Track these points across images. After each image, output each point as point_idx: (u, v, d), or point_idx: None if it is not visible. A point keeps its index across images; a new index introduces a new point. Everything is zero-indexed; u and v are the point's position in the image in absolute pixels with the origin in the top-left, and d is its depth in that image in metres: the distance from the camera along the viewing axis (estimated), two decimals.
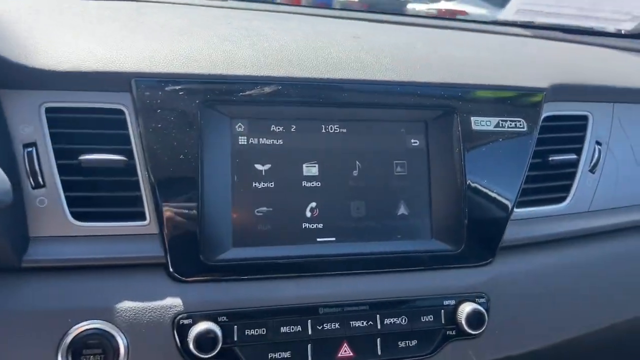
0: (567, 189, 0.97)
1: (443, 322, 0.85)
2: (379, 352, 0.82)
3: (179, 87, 0.79)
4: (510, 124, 0.91)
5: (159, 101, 0.78)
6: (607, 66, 1.08)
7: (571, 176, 0.98)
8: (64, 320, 0.72)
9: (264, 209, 0.83)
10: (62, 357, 0.72)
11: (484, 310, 0.84)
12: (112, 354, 0.73)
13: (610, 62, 1.13)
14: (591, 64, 1.08)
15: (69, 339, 0.72)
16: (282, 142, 0.85)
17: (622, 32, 1.53)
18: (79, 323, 0.73)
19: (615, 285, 0.98)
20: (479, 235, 0.88)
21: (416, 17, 1.42)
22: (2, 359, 0.71)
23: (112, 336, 0.73)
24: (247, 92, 0.81)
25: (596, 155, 0.99)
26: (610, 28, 1.54)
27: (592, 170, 0.99)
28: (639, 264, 1.01)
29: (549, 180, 0.96)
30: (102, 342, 0.73)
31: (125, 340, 0.74)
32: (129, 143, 0.78)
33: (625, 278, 0.99)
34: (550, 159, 0.95)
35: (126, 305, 0.75)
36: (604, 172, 1.00)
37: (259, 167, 0.83)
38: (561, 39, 1.33)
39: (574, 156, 0.97)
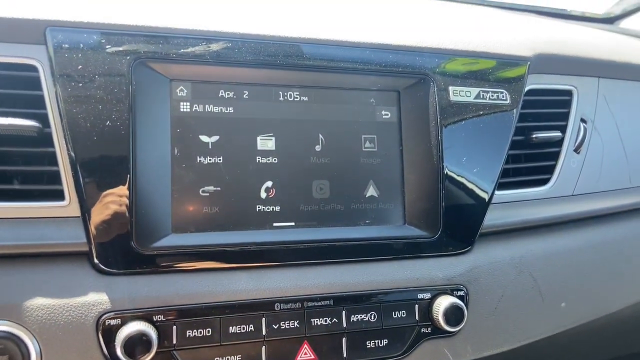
0: (550, 170, 0.89)
1: (417, 318, 0.75)
2: (345, 354, 0.72)
3: (107, 39, 0.65)
4: (492, 96, 0.81)
5: (80, 56, 0.64)
6: (591, 39, 1.01)
7: (555, 156, 0.89)
8: None
9: (211, 188, 0.70)
10: None
11: (462, 305, 0.74)
12: None
13: (594, 37, 1.05)
14: (575, 37, 1.00)
15: None
16: (232, 110, 0.72)
17: (594, 16, 1.48)
18: None
19: (601, 274, 0.90)
20: (456, 220, 0.78)
21: None
22: None
23: (21, 340, 0.60)
24: (190, 49, 0.69)
25: (581, 134, 0.91)
26: (584, 11, 1.49)
27: (577, 150, 0.90)
28: (625, 251, 0.93)
29: (531, 160, 0.87)
30: (7, 347, 0.59)
31: (37, 346, 0.61)
32: (44, 107, 0.64)
33: (610, 266, 0.91)
34: (533, 136, 0.86)
35: (39, 302, 0.61)
36: (589, 153, 0.92)
37: (204, 138, 0.71)
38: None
39: (558, 134, 0.89)
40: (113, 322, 0.63)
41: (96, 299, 0.63)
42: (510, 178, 0.85)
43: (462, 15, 0.99)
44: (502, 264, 0.81)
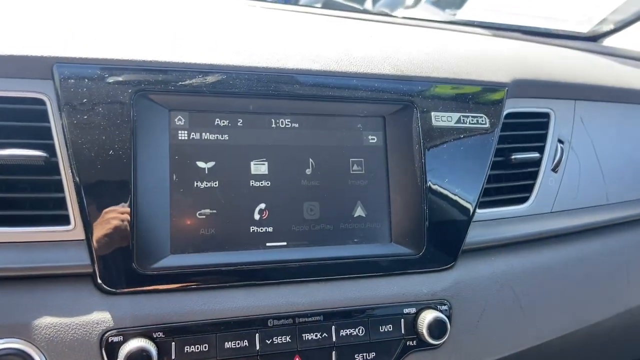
0: (529, 188, 0.94)
1: (403, 332, 0.79)
2: None
3: (109, 74, 0.70)
4: (472, 120, 0.86)
5: (85, 90, 0.69)
6: (568, 63, 1.06)
7: (533, 175, 0.94)
8: None
9: (207, 211, 0.75)
10: None
11: (445, 318, 0.79)
12: None
13: (571, 60, 1.11)
14: (553, 61, 1.06)
15: None
16: (227, 138, 0.77)
17: (579, 34, 1.54)
18: None
19: (579, 287, 0.94)
20: (440, 238, 0.82)
21: (373, 14, 1.38)
22: None
23: (30, 357, 0.64)
24: (188, 81, 0.73)
25: (558, 154, 0.96)
26: (568, 30, 1.55)
27: (554, 170, 0.95)
28: (602, 265, 0.98)
29: (511, 180, 0.92)
30: None
31: None
32: (51, 137, 0.69)
33: (589, 280, 0.96)
34: (512, 157, 0.91)
35: (47, 321, 0.65)
36: (567, 172, 0.97)
37: (201, 164, 0.75)
38: (521, 39, 1.31)
39: (536, 154, 0.93)
40: (116, 339, 0.67)
41: (100, 317, 0.67)
42: (491, 197, 0.89)
43: (443, 40, 1.05)
44: (483, 279, 0.86)
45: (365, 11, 1.58)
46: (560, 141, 0.97)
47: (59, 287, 0.68)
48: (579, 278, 0.95)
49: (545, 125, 0.96)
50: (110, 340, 0.67)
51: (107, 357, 0.66)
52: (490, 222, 0.89)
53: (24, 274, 0.67)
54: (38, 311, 0.66)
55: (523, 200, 0.93)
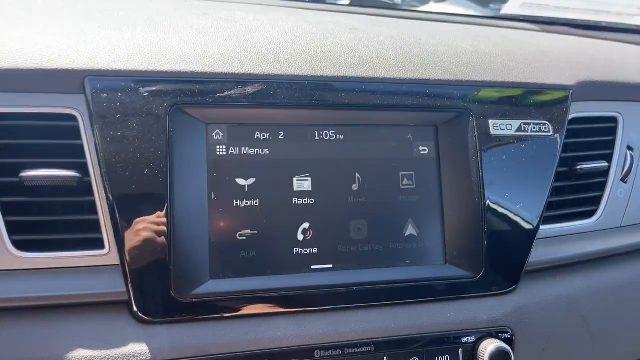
0: (596, 201, 0.85)
1: None
2: None
3: (143, 87, 0.65)
4: (534, 128, 0.78)
5: (118, 105, 0.64)
6: (634, 62, 0.97)
7: (601, 186, 0.86)
8: None
9: (248, 232, 0.69)
10: None
11: (508, 349, 0.71)
12: None
13: (637, 58, 1.01)
14: (617, 60, 0.97)
15: None
16: (268, 152, 0.71)
17: (634, 27, 1.43)
18: None
19: None
20: (500, 258, 0.75)
21: (415, 12, 1.31)
22: None
23: None
24: (226, 93, 0.68)
25: (628, 162, 0.87)
26: (622, 23, 1.44)
27: (624, 180, 0.87)
28: None
29: (576, 192, 0.84)
30: None
31: None
32: (83, 156, 0.65)
33: None
34: (578, 167, 0.83)
35: (82, 354, 0.61)
36: (637, 182, 0.88)
37: (241, 182, 0.70)
38: (572, 34, 1.22)
39: (604, 163, 0.85)
40: None
41: (136, 349, 0.63)
42: (555, 211, 0.81)
43: (493, 38, 0.97)
44: (548, 303, 0.78)
45: (400, 8, 1.50)
46: (629, 148, 0.88)
47: (93, 316, 0.64)
48: None
49: (613, 131, 0.88)
50: None
51: None
52: (555, 240, 0.81)
53: (57, 303, 0.63)
54: (72, 343, 0.62)
55: (590, 214, 0.84)
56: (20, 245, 0.62)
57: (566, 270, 0.82)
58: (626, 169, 0.86)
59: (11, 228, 0.62)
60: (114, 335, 0.63)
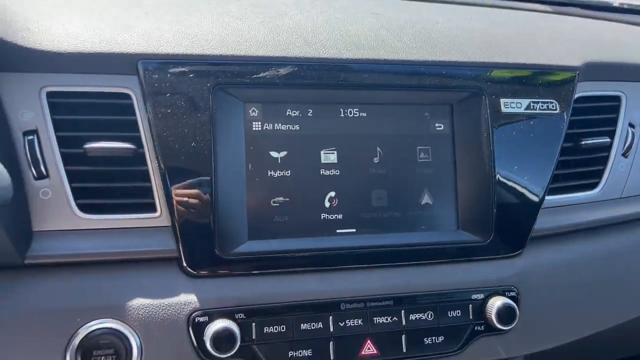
0: (599, 174, 0.92)
1: (471, 317, 0.81)
2: (404, 349, 0.78)
3: (189, 69, 0.73)
4: (542, 106, 0.85)
5: (167, 84, 0.73)
6: (638, 43, 1.02)
7: (603, 161, 0.92)
8: (72, 319, 0.68)
9: (281, 199, 0.78)
10: (70, 359, 0.68)
11: (514, 305, 0.80)
12: (125, 354, 0.68)
13: None
14: (622, 41, 1.02)
15: (77, 339, 0.68)
16: (298, 128, 0.79)
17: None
18: (88, 322, 0.68)
19: None
20: (508, 225, 0.83)
21: None
22: None
23: (125, 336, 0.69)
24: (261, 74, 0.76)
25: (629, 139, 0.94)
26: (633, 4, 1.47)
27: (624, 155, 0.93)
28: None
29: (580, 166, 0.91)
30: (113, 342, 0.68)
31: (138, 340, 0.70)
32: (137, 130, 0.73)
33: None
34: (582, 142, 0.90)
35: (138, 302, 0.70)
36: (637, 156, 0.94)
37: (274, 154, 0.78)
38: (582, 15, 1.26)
39: (606, 139, 0.92)
40: (202, 319, 0.71)
41: (186, 299, 0.72)
42: (559, 183, 0.88)
43: (508, 23, 1.03)
44: (551, 266, 0.86)
45: None
46: (631, 125, 0.94)
47: (147, 271, 0.73)
48: None
49: (616, 109, 0.94)
50: (197, 320, 0.71)
51: (195, 336, 0.71)
52: (559, 209, 0.88)
53: (116, 259, 0.72)
54: (130, 293, 0.71)
55: (592, 186, 0.91)
56: (84, 209, 0.71)
57: (569, 237, 0.89)
58: (627, 144, 0.93)
59: (76, 193, 0.71)
60: (167, 287, 0.72)
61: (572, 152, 0.90)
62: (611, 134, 0.93)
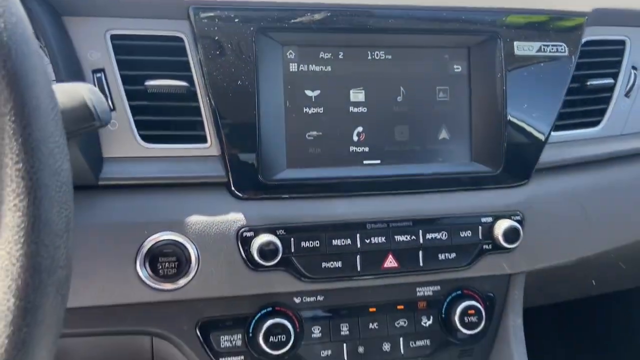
0: (602, 112, 1.01)
1: (480, 237, 0.92)
2: (421, 264, 0.90)
3: (234, 14, 0.82)
4: (552, 49, 0.93)
5: (215, 28, 0.81)
6: None
7: (606, 100, 1.01)
8: (140, 231, 0.80)
9: (314, 133, 0.88)
10: (140, 264, 0.80)
11: (519, 226, 0.91)
12: (185, 262, 0.81)
13: None
14: None
15: (145, 248, 0.80)
16: (330, 69, 0.88)
17: None
18: (154, 234, 0.80)
19: None
20: (516, 157, 0.93)
21: None
22: (88, 268, 0.79)
23: (184, 246, 0.81)
24: (298, 19, 0.84)
25: (632, 80, 1.01)
26: None
27: (627, 95, 1.01)
28: None
29: (585, 105, 0.99)
30: (175, 252, 0.80)
31: (195, 250, 0.81)
32: (189, 70, 0.82)
33: None
34: (587, 83, 0.98)
35: (195, 219, 0.82)
36: (638, 97, 1.02)
37: (309, 93, 0.88)
38: None
39: (610, 80, 1.00)
40: (248, 234, 0.83)
41: (235, 217, 0.83)
42: (565, 121, 0.97)
43: None
44: (554, 194, 0.96)
45: None
46: (634, 67, 1.02)
47: (202, 193, 0.84)
48: None
49: (620, 52, 1.01)
50: (244, 235, 0.83)
51: (243, 248, 0.83)
52: (563, 144, 0.97)
53: (174, 182, 0.83)
54: (188, 211, 0.82)
55: (595, 123, 1.00)
56: (146, 139, 0.82)
57: (572, 169, 0.99)
58: (629, 85, 1.01)
59: (139, 125, 0.81)
60: (218, 207, 0.84)
61: (578, 92, 0.98)
62: (615, 76, 1.01)
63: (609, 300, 1.51)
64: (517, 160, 0.93)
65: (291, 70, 0.87)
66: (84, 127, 0.56)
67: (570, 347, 1.70)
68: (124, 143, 0.81)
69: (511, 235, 0.90)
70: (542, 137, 0.93)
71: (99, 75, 0.80)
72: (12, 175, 0.39)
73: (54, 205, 0.40)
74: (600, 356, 1.64)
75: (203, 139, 0.84)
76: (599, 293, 1.37)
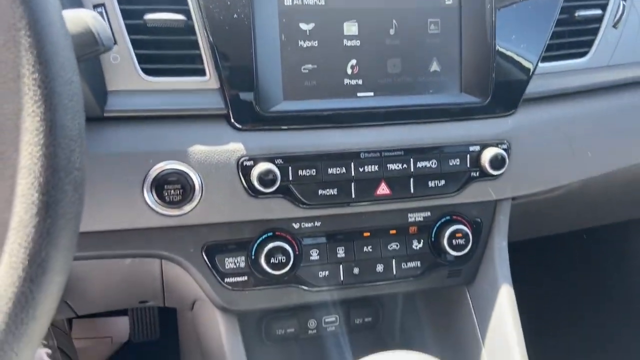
0: (589, 44, 1.03)
1: (468, 165, 0.97)
2: (412, 190, 0.95)
3: None
4: None
5: None
6: None
7: (594, 31, 1.03)
8: (145, 160, 0.84)
9: (309, 66, 0.91)
10: (147, 191, 0.85)
11: (505, 154, 0.95)
12: (189, 189, 0.85)
13: None
14: None
15: (151, 176, 0.84)
16: (324, 2, 0.90)
17: None
18: (158, 163, 0.85)
19: (628, 132, 1.07)
20: (504, 88, 0.96)
21: None
22: (99, 196, 0.84)
23: (188, 175, 0.86)
24: None
25: (620, 11, 1.03)
26: None
27: (615, 26, 1.03)
28: None
29: (573, 36, 1.02)
30: (180, 180, 0.85)
31: (199, 178, 0.86)
32: (186, 4, 0.85)
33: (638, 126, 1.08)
34: (576, 14, 1.00)
35: (197, 149, 0.86)
36: (626, 28, 1.05)
37: (303, 26, 0.90)
38: None
39: (599, 11, 1.02)
40: (248, 163, 0.88)
41: (235, 147, 0.88)
42: (553, 52, 1.00)
43: None
44: (540, 123, 1.00)
45: None
46: None
47: (203, 125, 0.88)
48: (628, 124, 1.07)
49: None
50: (244, 164, 0.88)
51: (243, 176, 0.88)
52: (551, 75, 1.00)
53: (176, 114, 0.87)
54: (190, 142, 0.86)
55: (583, 54, 1.03)
56: (147, 72, 0.85)
57: (559, 99, 1.03)
58: (618, 16, 1.03)
59: (140, 59, 0.84)
60: (219, 138, 0.88)
61: (566, 23, 1.00)
62: (603, 7, 1.03)
63: (596, 235, 1.59)
64: (505, 91, 0.97)
65: (286, 4, 0.89)
66: (89, 52, 0.59)
67: (557, 279, 1.79)
68: (127, 76, 0.84)
69: (497, 162, 0.95)
70: (529, 68, 0.96)
71: (99, 10, 0.82)
72: (29, 85, 0.43)
73: (68, 112, 0.45)
74: (588, 288, 1.74)
75: (202, 72, 0.87)
76: (584, 227, 1.44)
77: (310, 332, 1.15)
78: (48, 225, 0.43)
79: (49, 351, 1.46)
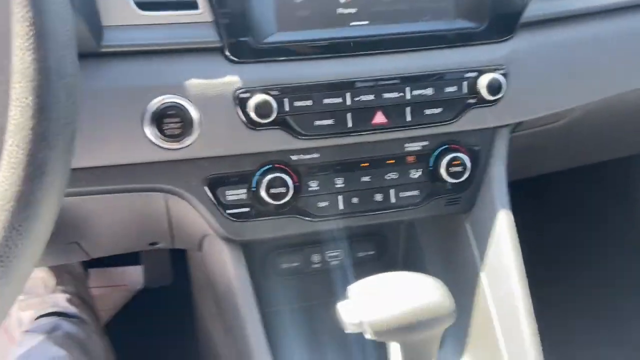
0: None
1: (465, 91, 0.96)
2: (409, 118, 0.96)
3: None
4: None
5: None
6: None
7: None
8: (144, 94, 0.86)
9: None
10: (147, 125, 0.87)
11: (502, 79, 0.95)
12: (189, 122, 0.87)
13: None
14: None
15: (151, 110, 0.86)
16: None
17: None
18: (157, 97, 0.86)
19: (627, 57, 1.06)
20: (501, 12, 0.95)
21: None
22: (99, 131, 0.86)
23: (186, 108, 0.87)
24: None
25: None
26: None
27: None
28: None
29: None
30: (178, 113, 0.87)
31: (196, 111, 0.88)
32: None
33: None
34: None
35: (194, 82, 0.87)
36: None
37: None
38: None
39: None
40: (245, 95, 0.89)
41: (231, 80, 0.89)
42: None
43: None
44: (538, 47, 0.99)
45: None
46: None
47: (198, 58, 0.89)
48: (629, 48, 1.06)
49: None
50: (241, 96, 0.89)
51: (241, 107, 0.89)
52: None
53: (172, 48, 0.88)
54: (187, 75, 0.87)
55: None
56: (141, 6, 0.85)
57: (557, 23, 1.01)
58: None
59: None
60: (215, 71, 0.88)
61: None
62: None
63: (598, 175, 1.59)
64: (502, 16, 0.95)
65: None
66: None
67: (559, 222, 1.80)
68: (121, 10, 0.85)
69: (494, 88, 0.95)
70: None
71: None
72: None
73: (57, 18, 0.46)
74: (590, 231, 1.75)
75: (195, 6, 0.87)
76: (585, 163, 1.44)
77: (314, 265, 1.19)
78: (44, 128, 0.45)
79: (68, 296, 1.52)
